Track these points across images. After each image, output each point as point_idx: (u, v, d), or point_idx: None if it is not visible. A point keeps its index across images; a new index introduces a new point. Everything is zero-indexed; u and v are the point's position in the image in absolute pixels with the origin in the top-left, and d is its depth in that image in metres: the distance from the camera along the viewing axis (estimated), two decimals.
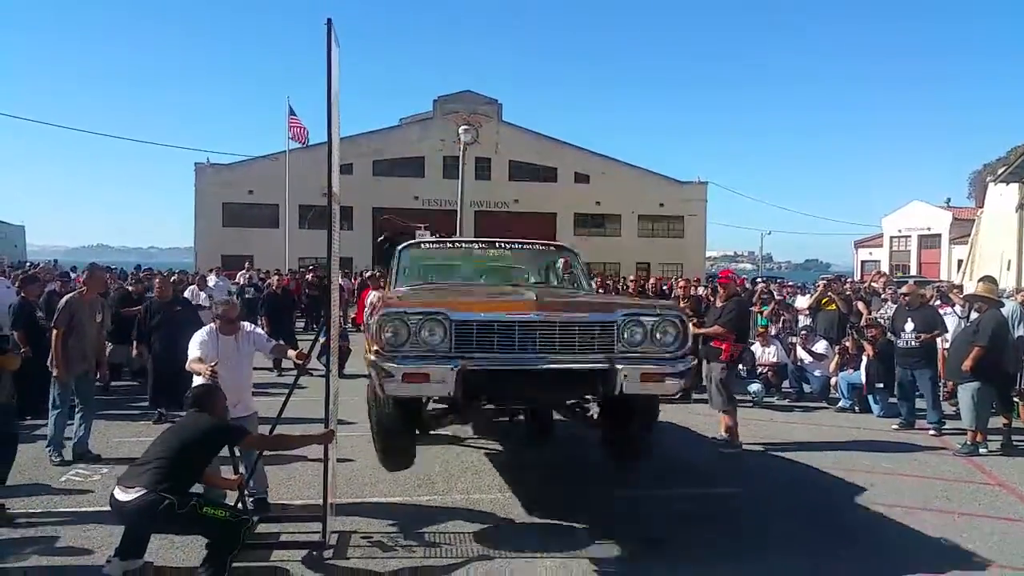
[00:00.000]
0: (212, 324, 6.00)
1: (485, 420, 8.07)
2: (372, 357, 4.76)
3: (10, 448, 5.99)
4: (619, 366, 4.75)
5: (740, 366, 11.19)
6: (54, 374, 7.08)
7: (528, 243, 7.77)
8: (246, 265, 23.93)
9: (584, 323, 4.89)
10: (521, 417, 8.15)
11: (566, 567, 4.91)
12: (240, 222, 40.49)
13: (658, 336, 4.97)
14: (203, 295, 14.13)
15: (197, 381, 5.37)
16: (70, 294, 7.65)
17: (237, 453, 5.26)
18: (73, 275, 16.77)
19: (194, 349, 5.69)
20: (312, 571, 4.82)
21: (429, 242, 6.92)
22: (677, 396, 11.08)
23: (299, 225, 38.26)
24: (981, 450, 8.07)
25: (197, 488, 4.77)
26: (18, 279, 11.49)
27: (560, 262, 7.77)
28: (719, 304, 8.59)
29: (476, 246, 7.32)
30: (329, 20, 4.81)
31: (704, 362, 8.53)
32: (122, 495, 4.30)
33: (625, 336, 4.90)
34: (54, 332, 7.15)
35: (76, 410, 7.36)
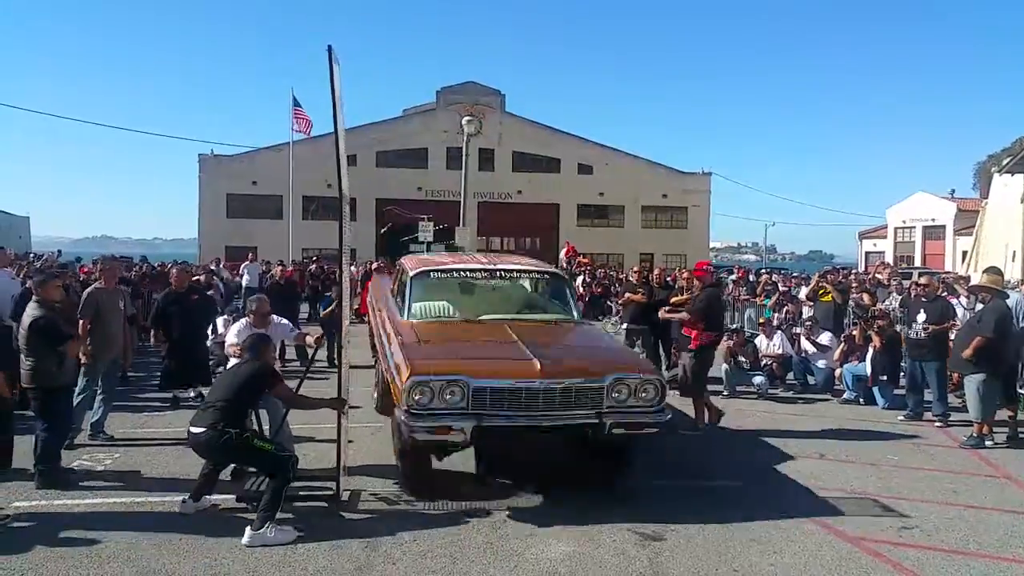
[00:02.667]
0: (247, 317, 7.04)
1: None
2: (402, 413, 5.63)
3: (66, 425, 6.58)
4: (607, 420, 5.72)
5: (742, 358, 11.20)
6: (83, 361, 7.20)
7: (523, 271, 8.40)
8: (250, 256, 23.94)
9: (579, 387, 5.79)
10: None
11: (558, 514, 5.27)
12: (244, 213, 40.46)
13: (641, 394, 5.88)
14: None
15: (232, 363, 6.36)
16: (92, 286, 7.80)
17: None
18: (77, 265, 16.78)
19: (232, 336, 6.84)
20: (328, 519, 5.57)
21: (438, 271, 7.98)
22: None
23: (302, 216, 38.22)
24: (987, 442, 8.04)
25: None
26: (22, 270, 11.49)
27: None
28: (696, 294, 9.15)
29: (479, 275, 8.06)
30: (329, 47, 5.43)
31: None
32: (194, 430, 5.42)
33: (613, 395, 5.82)
34: (80, 323, 7.31)
35: (98, 394, 7.56)
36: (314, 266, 22.73)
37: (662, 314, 9.71)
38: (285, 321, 7.44)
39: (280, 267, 18.57)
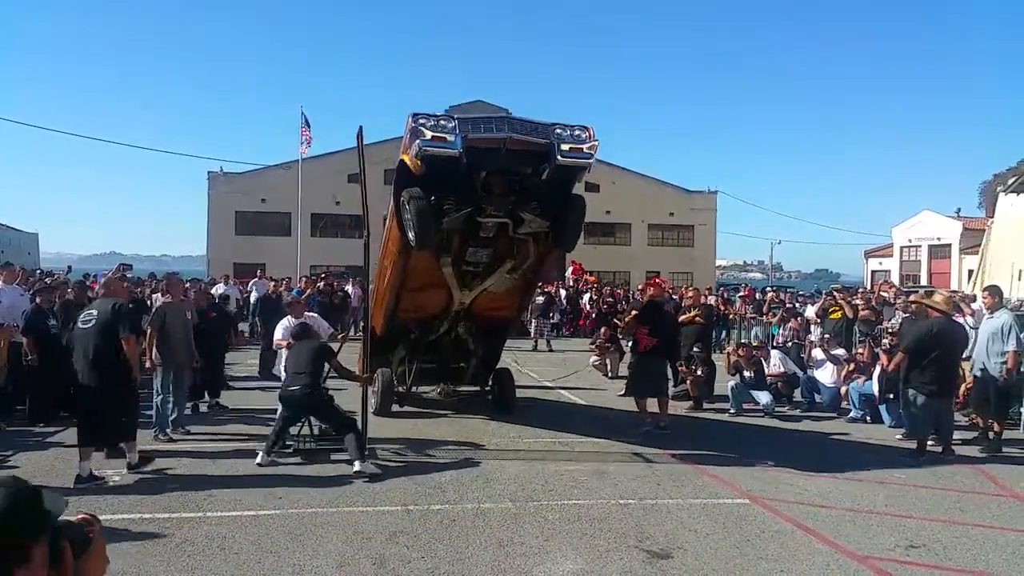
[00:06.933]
0: (289, 316, 9.15)
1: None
2: (410, 134, 7.73)
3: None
4: (556, 142, 7.83)
5: (748, 373, 11.21)
6: (147, 366, 8.25)
7: None
8: (258, 273, 24.09)
9: (532, 120, 8.08)
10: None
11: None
12: (252, 230, 40.59)
13: (574, 135, 7.99)
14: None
15: (284, 354, 8.47)
16: (162, 301, 8.89)
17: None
18: (88, 281, 16.88)
19: (279, 332, 8.98)
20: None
21: None
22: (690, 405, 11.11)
23: (311, 233, 38.39)
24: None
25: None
26: (34, 287, 11.59)
27: None
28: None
29: None
30: (360, 127, 8.29)
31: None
32: (291, 388, 7.49)
33: (556, 133, 7.94)
34: (148, 332, 8.33)
35: (169, 397, 8.51)
36: (322, 283, 22.81)
37: (620, 327, 11.08)
38: (321, 319, 9.98)
39: (273, 283, 19.52)
